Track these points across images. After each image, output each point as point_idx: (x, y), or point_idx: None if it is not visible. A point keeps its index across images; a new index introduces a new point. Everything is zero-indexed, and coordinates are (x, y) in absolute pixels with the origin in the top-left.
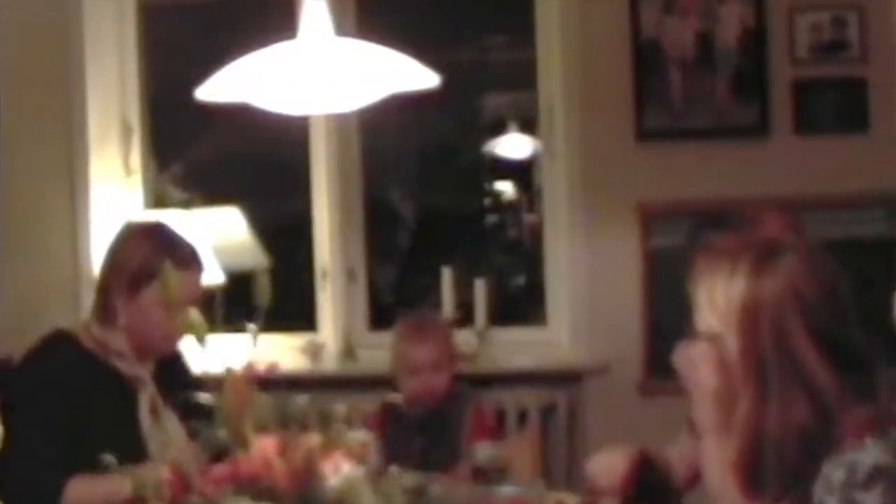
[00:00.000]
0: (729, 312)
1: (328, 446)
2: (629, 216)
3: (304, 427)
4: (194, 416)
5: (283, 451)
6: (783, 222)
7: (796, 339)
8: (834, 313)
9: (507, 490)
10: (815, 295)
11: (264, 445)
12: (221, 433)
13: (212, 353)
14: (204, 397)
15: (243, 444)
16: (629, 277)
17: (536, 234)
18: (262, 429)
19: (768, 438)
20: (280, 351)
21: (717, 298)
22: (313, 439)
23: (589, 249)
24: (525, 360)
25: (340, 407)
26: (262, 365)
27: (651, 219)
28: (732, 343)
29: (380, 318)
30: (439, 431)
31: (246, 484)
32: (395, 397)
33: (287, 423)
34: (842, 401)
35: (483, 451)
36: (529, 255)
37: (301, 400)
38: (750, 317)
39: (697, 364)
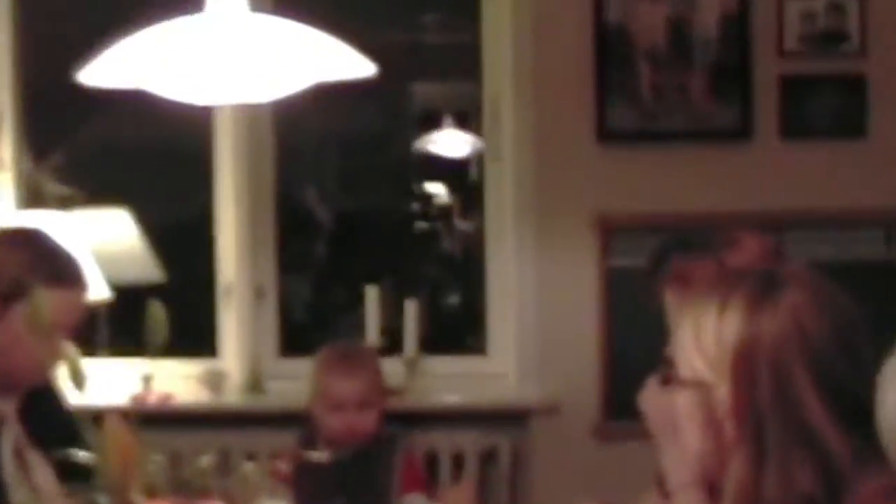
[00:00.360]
0: (720, 356)
1: None
2: (586, 230)
3: (203, 491)
4: (70, 474)
5: None
6: (761, 246)
7: (800, 390)
8: (845, 359)
9: None
10: (822, 337)
11: None
12: (102, 499)
13: (92, 385)
14: (82, 455)
15: None
16: (585, 301)
17: (473, 246)
18: (152, 493)
19: None
20: (174, 381)
21: (705, 339)
22: None
23: (538, 267)
24: (462, 396)
25: (249, 466)
26: (152, 398)
27: (612, 234)
28: (723, 393)
29: (292, 342)
30: (364, 482)
31: None
32: (311, 455)
33: (183, 487)
34: (854, 464)
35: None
36: (465, 271)
37: (203, 461)
38: (745, 362)
39: (679, 417)
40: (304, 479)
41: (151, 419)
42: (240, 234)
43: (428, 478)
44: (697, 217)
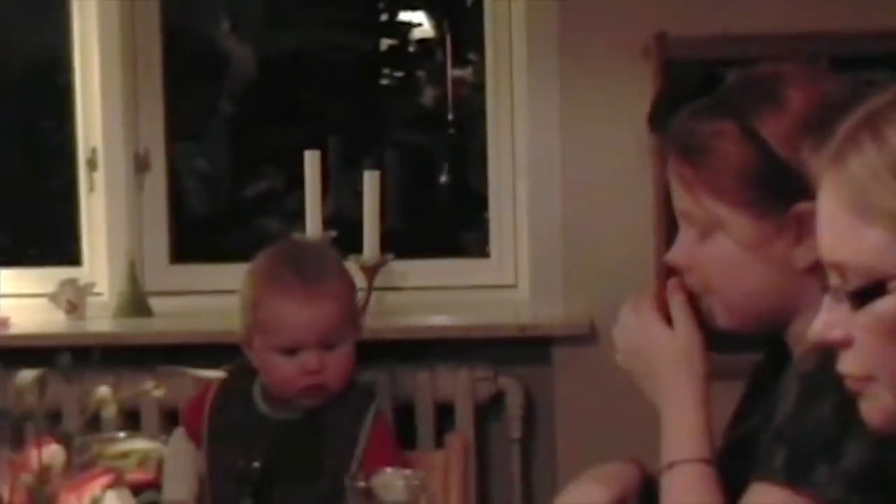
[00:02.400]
0: None
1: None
2: (634, 68)
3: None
4: None
5: None
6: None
7: None
8: None
9: None
10: None
11: None
12: None
13: None
14: None
15: None
16: (631, 179)
17: (470, 100)
18: None
19: None
20: (15, 300)
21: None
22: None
23: (564, 129)
24: (451, 318)
25: (104, 389)
26: None
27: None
28: None
29: (188, 242)
30: (312, 451)
31: None
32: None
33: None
34: None
35: (385, 482)
36: (458, 137)
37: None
38: None
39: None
40: (222, 421)
41: None
42: (109, 77)
43: (400, 445)
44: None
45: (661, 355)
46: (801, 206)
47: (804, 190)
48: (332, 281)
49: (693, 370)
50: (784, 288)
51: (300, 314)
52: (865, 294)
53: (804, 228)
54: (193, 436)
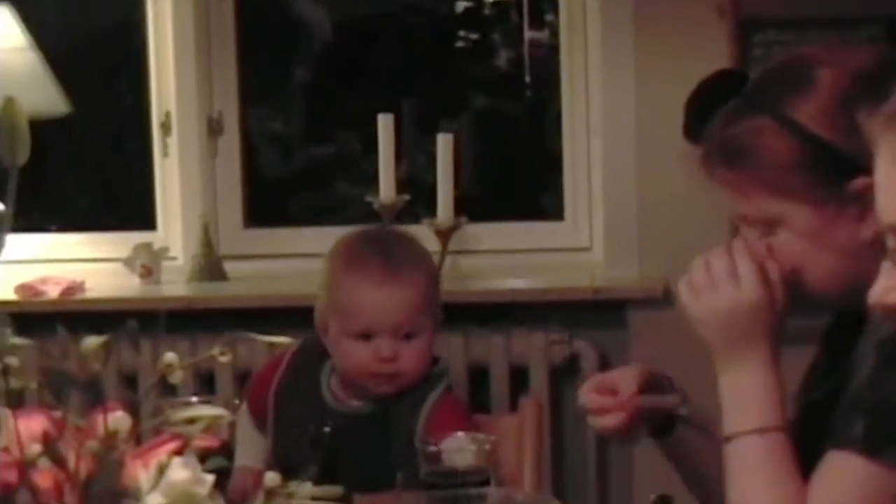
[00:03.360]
0: None
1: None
2: (711, 25)
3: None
4: None
5: (53, 439)
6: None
7: None
8: None
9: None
10: None
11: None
12: None
13: None
14: None
15: None
16: None
17: (544, 62)
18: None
19: None
20: (88, 265)
21: None
22: (120, 420)
23: (640, 90)
24: (524, 280)
25: (171, 355)
26: (54, 286)
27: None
28: None
29: (264, 205)
30: (379, 441)
31: None
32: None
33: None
34: None
35: (453, 446)
36: (533, 99)
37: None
38: None
39: None
40: (292, 392)
41: (47, 319)
42: (182, 40)
43: (475, 401)
44: None
45: (724, 310)
46: (858, 182)
47: (856, 166)
48: (414, 268)
49: (758, 328)
50: (855, 265)
51: (376, 297)
52: None
53: (865, 203)
54: (257, 410)
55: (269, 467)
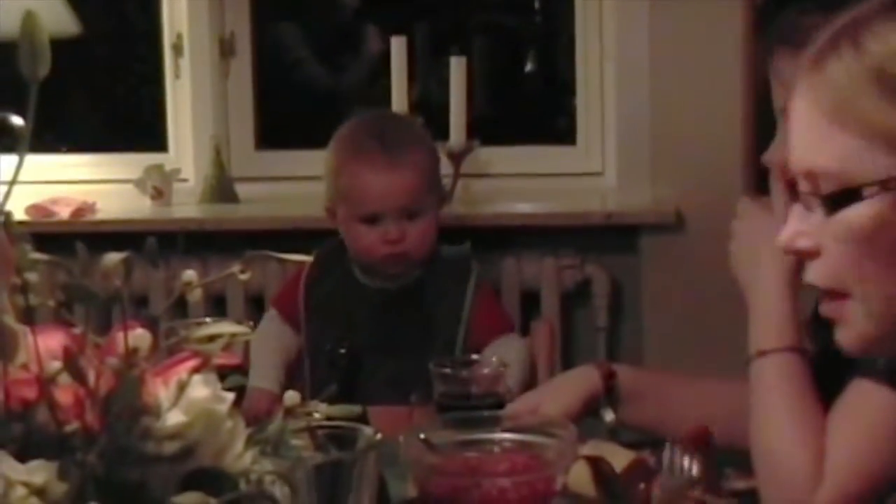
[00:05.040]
0: None
1: (176, 348)
2: None
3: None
4: None
5: (74, 355)
6: None
7: None
8: None
9: None
10: None
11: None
12: None
13: None
14: None
15: None
16: (725, 64)
17: None
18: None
19: None
20: (103, 187)
21: None
22: (139, 338)
23: (655, 11)
24: (537, 205)
25: (190, 273)
26: (65, 206)
27: None
28: None
29: (275, 126)
30: (416, 329)
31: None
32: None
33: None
34: None
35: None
36: (545, 24)
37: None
38: None
39: None
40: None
41: (58, 239)
42: None
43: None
44: None
45: (764, 242)
46: None
47: None
48: (413, 150)
49: (791, 259)
50: None
51: (380, 182)
52: (837, 201)
53: None
54: (289, 312)
55: (284, 388)
